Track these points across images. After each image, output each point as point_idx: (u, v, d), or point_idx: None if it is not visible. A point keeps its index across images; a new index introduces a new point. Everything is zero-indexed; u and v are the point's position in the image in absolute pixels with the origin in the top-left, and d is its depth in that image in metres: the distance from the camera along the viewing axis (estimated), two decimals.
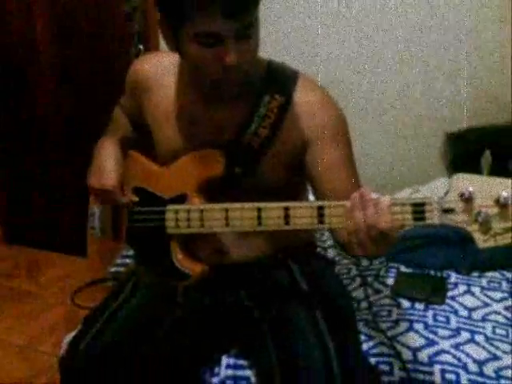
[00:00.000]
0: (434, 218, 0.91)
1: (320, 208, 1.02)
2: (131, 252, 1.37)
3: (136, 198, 1.30)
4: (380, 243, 0.95)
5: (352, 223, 0.96)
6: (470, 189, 0.88)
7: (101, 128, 1.45)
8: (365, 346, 1.35)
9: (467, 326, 1.45)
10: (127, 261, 1.42)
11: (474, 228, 0.89)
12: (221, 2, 1.01)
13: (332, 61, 2.28)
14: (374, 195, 0.96)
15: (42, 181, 2.95)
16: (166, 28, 1.13)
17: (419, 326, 1.44)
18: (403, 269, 1.72)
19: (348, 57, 2.26)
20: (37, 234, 3.07)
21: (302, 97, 1.20)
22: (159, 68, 1.30)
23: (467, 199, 0.88)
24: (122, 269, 1.40)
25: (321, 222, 1.02)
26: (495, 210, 0.87)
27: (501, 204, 0.87)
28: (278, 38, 2.27)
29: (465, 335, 1.41)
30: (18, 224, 3.13)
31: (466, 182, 0.89)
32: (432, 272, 1.69)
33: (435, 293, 1.56)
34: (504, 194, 0.86)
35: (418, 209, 0.93)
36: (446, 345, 1.37)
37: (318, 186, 1.19)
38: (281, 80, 1.22)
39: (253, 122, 1.20)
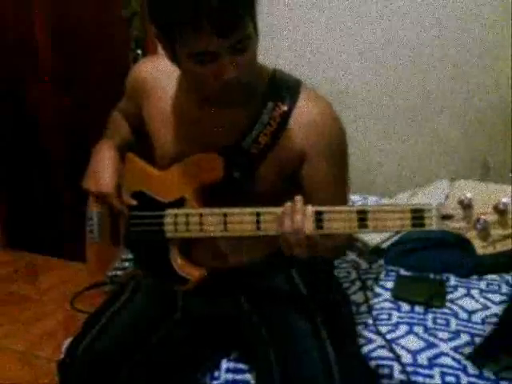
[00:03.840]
0: (432, 224, 0.91)
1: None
2: (130, 256, 1.37)
3: (134, 202, 1.30)
4: (306, 246, 1.05)
5: (281, 228, 1.05)
6: (469, 195, 0.88)
7: (100, 132, 1.45)
8: (365, 350, 1.35)
9: (467, 329, 1.44)
10: (126, 264, 1.42)
11: (472, 235, 0.89)
12: (212, 22, 0.99)
13: (333, 63, 2.27)
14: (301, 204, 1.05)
15: (42, 186, 2.95)
16: (162, 42, 1.12)
17: (419, 329, 1.43)
18: (403, 272, 1.72)
19: (349, 59, 2.26)
20: (36, 239, 3.07)
21: (304, 107, 1.19)
22: (159, 72, 1.30)
23: (466, 206, 0.88)
24: (120, 273, 1.40)
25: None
26: (494, 217, 0.87)
27: (500, 211, 0.86)
28: (279, 45, 2.26)
29: (464, 338, 1.41)
30: (18, 229, 3.13)
31: (466, 189, 0.88)
32: (431, 275, 1.68)
33: (435, 296, 1.56)
34: (503, 200, 0.86)
35: (417, 215, 0.93)
36: (445, 347, 1.37)
37: (307, 199, 1.13)
38: (285, 89, 1.20)
39: (254, 129, 1.19)
